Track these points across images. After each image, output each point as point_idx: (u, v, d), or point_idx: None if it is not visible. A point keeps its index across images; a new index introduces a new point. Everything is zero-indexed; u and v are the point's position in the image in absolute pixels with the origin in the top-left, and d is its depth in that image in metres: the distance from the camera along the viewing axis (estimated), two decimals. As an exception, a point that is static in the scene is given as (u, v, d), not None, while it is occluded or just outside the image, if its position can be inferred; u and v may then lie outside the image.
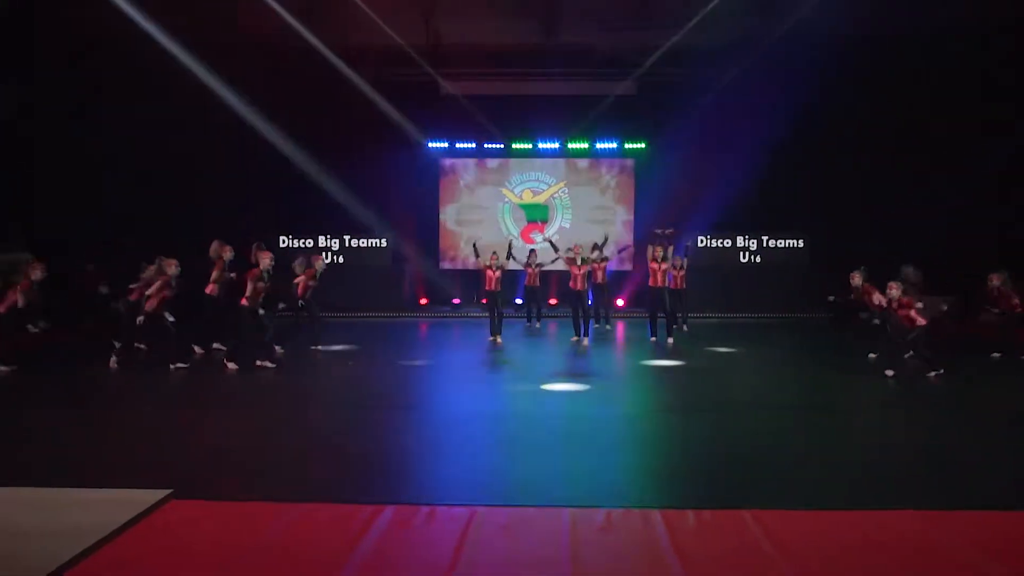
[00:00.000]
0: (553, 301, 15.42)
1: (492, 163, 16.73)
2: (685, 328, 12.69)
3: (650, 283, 11.35)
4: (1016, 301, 9.78)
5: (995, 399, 7.68)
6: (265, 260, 9.07)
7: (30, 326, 8.99)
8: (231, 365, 8.99)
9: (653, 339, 11.44)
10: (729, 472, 5.14)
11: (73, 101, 12.87)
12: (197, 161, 13.98)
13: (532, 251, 13.19)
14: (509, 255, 12.06)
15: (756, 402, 7.33)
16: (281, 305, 10.49)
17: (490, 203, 16.65)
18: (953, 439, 6.05)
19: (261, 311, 9.06)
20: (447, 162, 16.74)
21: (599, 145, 16.29)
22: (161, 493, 4.38)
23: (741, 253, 15.68)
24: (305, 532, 3.98)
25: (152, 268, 9.04)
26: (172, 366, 8.87)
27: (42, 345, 9.71)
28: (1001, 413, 7.00)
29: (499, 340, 11.47)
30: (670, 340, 11.16)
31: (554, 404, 7.32)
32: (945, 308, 12.62)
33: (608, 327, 13.16)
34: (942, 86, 13.43)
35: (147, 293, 8.93)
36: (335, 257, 15.49)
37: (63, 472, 5.01)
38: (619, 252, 14.53)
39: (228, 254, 9.85)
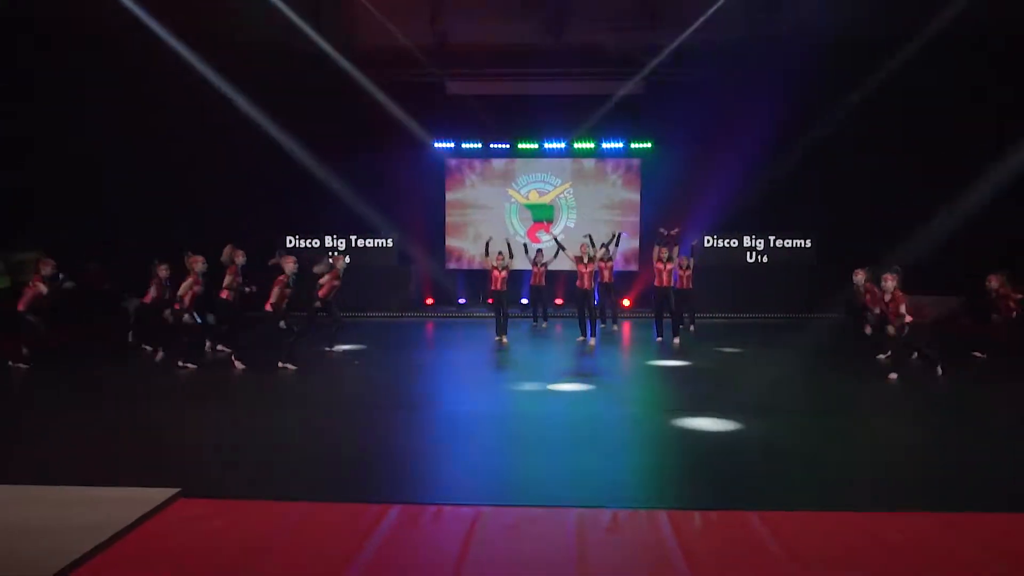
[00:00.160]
0: (559, 301, 15.41)
1: (498, 163, 16.74)
2: (692, 328, 12.68)
3: (655, 283, 11.35)
4: (1014, 303, 9.65)
5: (1002, 400, 7.63)
6: (289, 264, 8.94)
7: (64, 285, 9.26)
8: (239, 364, 9.03)
9: (659, 339, 11.44)
10: (736, 473, 5.12)
11: (73, 101, 12.90)
12: (203, 162, 13.99)
13: (539, 251, 13.20)
14: (510, 251, 12.10)
15: (762, 403, 7.30)
16: (282, 324, 8.96)
17: (496, 203, 16.68)
18: (960, 441, 6.03)
19: (282, 321, 8.91)
20: (453, 162, 16.77)
21: (605, 145, 16.29)
22: (169, 492, 4.40)
23: (748, 253, 15.61)
24: (312, 531, 4.00)
25: (196, 261, 9.19)
26: (180, 364, 8.94)
27: (58, 344, 9.79)
28: (1008, 415, 6.96)
29: (505, 340, 11.48)
30: (676, 340, 11.14)
31: (560, 404, 7.31)
32: (955, 307, 12.54)
33: (615, 327, 13.15)
34: (948, 86, 13.35)
35: (179, 294, 9.02)
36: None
37: (72, 470, 5.04)
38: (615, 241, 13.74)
39: (240, 259, 9.80)
